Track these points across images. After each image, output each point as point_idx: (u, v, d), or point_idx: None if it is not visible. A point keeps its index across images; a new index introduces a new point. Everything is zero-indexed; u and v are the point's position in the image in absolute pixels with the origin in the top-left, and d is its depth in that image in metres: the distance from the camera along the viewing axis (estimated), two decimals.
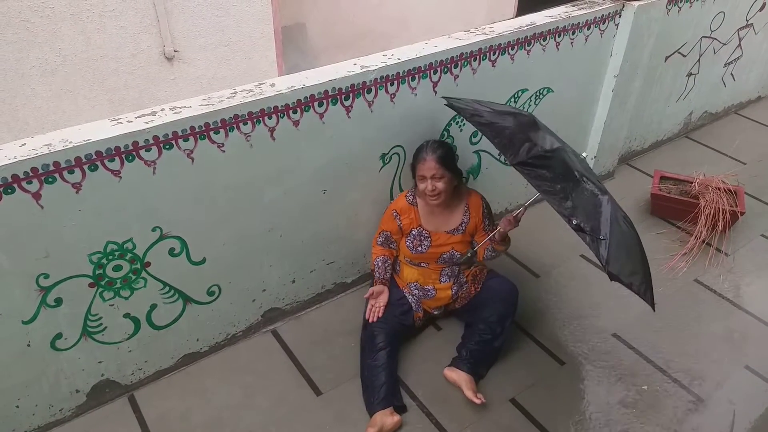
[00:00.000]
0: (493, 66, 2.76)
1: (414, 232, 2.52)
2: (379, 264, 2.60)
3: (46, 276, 1.98)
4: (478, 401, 2.32)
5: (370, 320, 2.51)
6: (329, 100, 2.30)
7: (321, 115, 2.31)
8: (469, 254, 2.49)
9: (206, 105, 2.08)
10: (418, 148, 2.42)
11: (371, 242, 2.68)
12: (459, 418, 2.36)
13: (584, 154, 2.09)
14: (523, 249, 3.19)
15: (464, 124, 2.80)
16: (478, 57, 2.67)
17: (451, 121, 2.75)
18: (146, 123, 1.96)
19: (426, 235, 2.51)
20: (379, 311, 2.52)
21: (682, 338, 2.74)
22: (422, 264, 2.58)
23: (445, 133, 2.77)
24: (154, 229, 2.13)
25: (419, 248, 2.52)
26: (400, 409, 2.36)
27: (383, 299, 2.54)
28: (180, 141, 2.03)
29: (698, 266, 3.14)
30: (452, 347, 2.57)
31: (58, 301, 2.05)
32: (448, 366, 2.49)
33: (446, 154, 2.38)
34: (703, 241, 3.27)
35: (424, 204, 2.50)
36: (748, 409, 2.44)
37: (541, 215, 3.45)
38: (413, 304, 2.60)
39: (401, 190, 2.79)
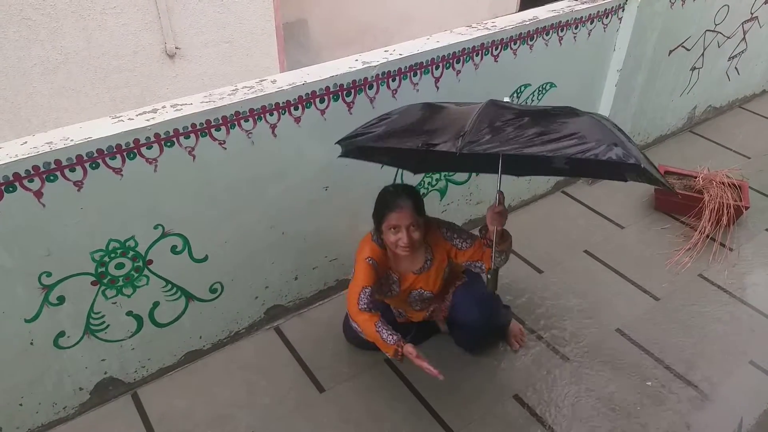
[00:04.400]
0: (496, 61, 2.74)
1: (383, 277, 2.31)
2: (382, 327, 2.11)
3: (49, 274, 1.98)
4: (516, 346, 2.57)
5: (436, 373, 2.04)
6: (331, 96, 2.29)
7: (322, 112, 2.30)
8: (488, 282, 2.14)
9: (207, 102, 2.07)
10: (386, 195, 2.16)
11: None
12: (462, 414, 2.35)
13: (506, 99, 1.88)
14: (527, 245, 3.17)
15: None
16: (480, 52, 2.66)
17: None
18: (147, 120, 1.96)
19: (395, 279, 2.33)
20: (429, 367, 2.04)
21: (687, 334, 2.72)
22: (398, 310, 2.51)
23: None
24: (156, 227, 2.13)
25: (389, 293, 2.35)
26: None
27: (423, 359, 2.06)
28: (181, 138, 2.02)
29: (702, 261, 3.13)
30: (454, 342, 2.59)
31: (61, 300, 2.05)
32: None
33: (420, 199, 2.18)
34: (708, 236, 3.25)
35: (391, 251, 2.27)
36: (753, 405, 2.43)
37: (544, 210, 3.45)
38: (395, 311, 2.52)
39: None
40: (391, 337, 2.08)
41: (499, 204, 1.99)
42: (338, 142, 2.06)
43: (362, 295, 2.16)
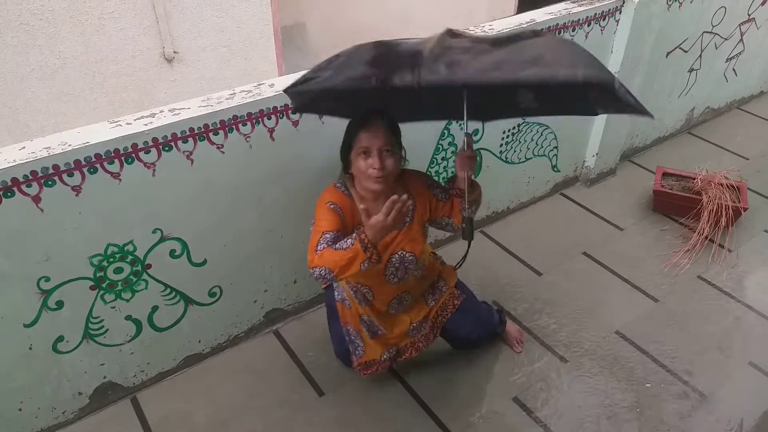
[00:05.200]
0: None
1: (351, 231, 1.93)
2: (337, 245, 1.80)
3: (47, 279, 1.98)
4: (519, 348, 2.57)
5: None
6: None
7: (320, 116, 2.31)
8: (464, 232, 1.90)
9: (205, 106, 2.08)
10: (361, 115, 1.88)
11: None
12: (461, 417, 2.35)
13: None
14: (525, 246, 3.18)
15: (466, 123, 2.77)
16: None
17: (451, 120, 2.74)
18: (145, 125, 1.96)
19: None
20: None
21: (685, 335, 2.72)
22: (368, 293, 2.14)
23: (445, 131, 2.76)
24: (154, 231, 2.13)
25: None
26: None
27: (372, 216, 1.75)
28: (179, 142, 2.02)
29: (701, 263, 3.13)
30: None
31: (60, 304, 2.05)
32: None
33: (396, 123, 1.92)
34: (706, 238, 3.25)
35: (358, 196, 1.96)
36: (752, 406, 2.42)
37: (542, 212, 3.45)
38: (353, 347, 2.27)
39: None
40: (348, 240, 1.78)
41: (468, 147, 1.83)
42: (286, 91, 1.83)
43: (321, 241, 1.83)
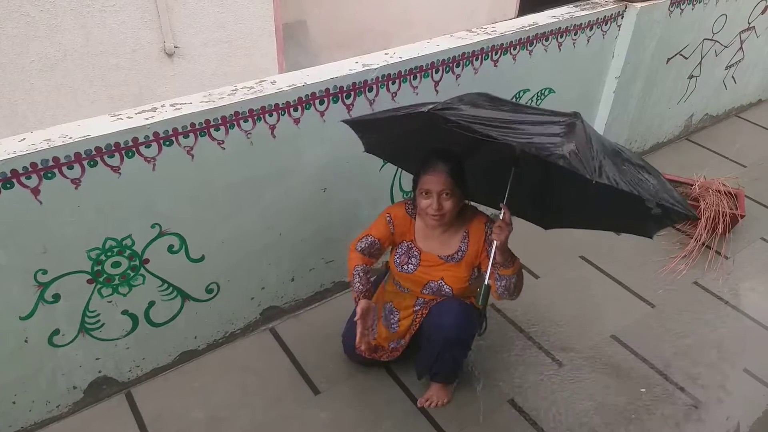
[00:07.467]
0: (495, 66, 2.75)
1: (404, 246, 2.19)
2: (360, 274, 2.14)
3: (44, 272, 1.97)
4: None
5: (363, 349, 2.16)
6: (330, 98, 2.29)
7: (322, 113, 2.30)
8: (481, 290, 1.94)
9: (207, 102, 2.07)
10: (426, 157, 2.02)
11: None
12: (457, 419, 2.35)
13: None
14: (523, 249, 3.17)
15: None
16: (480, 56, 2.66)
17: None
18: (146, 119, 1.95)
19: (416, 253, 2.17)
20: (371, 335, 2.17)
21: (681, 341, 2.73)
22: (404, 288, 2.26)
23: None
24: (153, 226, 2.12)
25: (406, 267, 2.18)
26: None
27: (371, 318, 2.13)
28: (180, 137, 2.02)
29: (698, 269, 3.14)
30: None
31: (56, 297, 2.04)
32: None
33: (460, 168, 2.00)
34: (703, 244, 3.26)
35: (421, 222, 2.15)
36: (746, 413, 2.43)
37: None
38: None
39: (401, 190, 2.78)
40: (358, 285, 2.12)
41: (502, 218, 1.90)
42: (432, 111, 1.71)
43: (364, 240, 2.20)
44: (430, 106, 1.67)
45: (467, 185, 2.04)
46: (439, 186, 1.96)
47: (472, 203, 2.23)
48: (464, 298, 2.22)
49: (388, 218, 2.18)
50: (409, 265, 2.18)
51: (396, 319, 2.31)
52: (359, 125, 2.12)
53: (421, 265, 2.16)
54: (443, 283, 2.15)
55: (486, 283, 1.94)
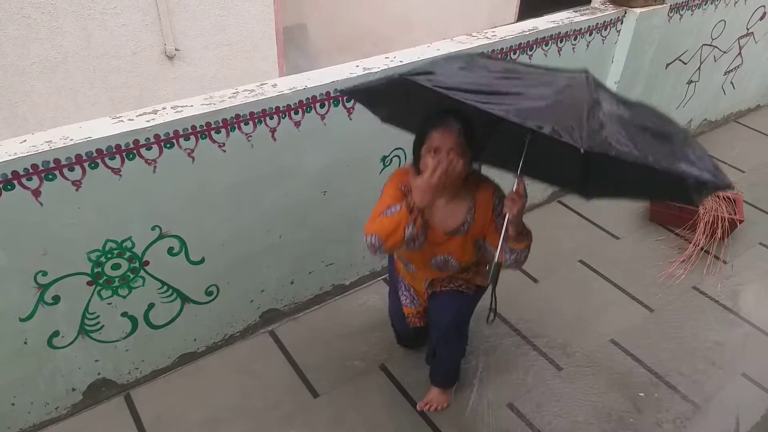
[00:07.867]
0: None
1: None
2: (387, 212, 1.86)
3: (44, 273, 1.97)
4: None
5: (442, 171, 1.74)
6: (331, 101, 2.30)
7: (322, 117, 2.31)
8: (491, 269, 1.83)
9: (208, 104, 2.07)
10: (432, 115, 1.82)
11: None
12: (457, 422, 2.35)
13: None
14: None
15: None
16: None
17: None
18: (147, 121, 1.96)
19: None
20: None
21: (680, 345, 2.74)
22: (410, 266, 2.15)
23: None
24: (153, 228, 2.12)
25: (413, 243, 1.90)
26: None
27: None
28: (181, 140, 2.02)
29: (696, 274, 3.14)
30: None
31: (56, 299, 2.04)
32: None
33: (471, 127, 1.81)
34: (702, 249, 3.27)
35: None
36: (745, 417, 2.44)
37: (540, 219, 3.45)
38: (409, 299, 2.27)
39: None
40: (397, 205, 1.84)
41: (516, 191, 1.75)
42: (400, 77, 1.65)
43: (387, 210, 1.86)
44: (404, 72, 1.58)
45: (477, 149, 1.86)
46: (449, 142, 1.76)
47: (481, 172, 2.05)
48: (469, 264, 2.09)
49: (402, 188, 1.93)
50: (418, 240, 1.90)
51: (413, 292, 2.26)
52: (360, 96, 1.98)
53: (427, 240, 1.94)
54: (449, 258, 2.02)
55: (496, 260, 1.81)
